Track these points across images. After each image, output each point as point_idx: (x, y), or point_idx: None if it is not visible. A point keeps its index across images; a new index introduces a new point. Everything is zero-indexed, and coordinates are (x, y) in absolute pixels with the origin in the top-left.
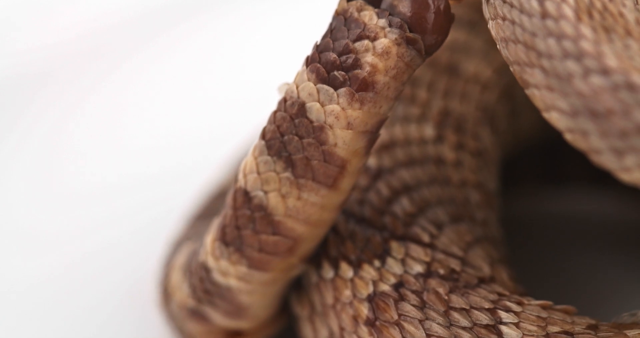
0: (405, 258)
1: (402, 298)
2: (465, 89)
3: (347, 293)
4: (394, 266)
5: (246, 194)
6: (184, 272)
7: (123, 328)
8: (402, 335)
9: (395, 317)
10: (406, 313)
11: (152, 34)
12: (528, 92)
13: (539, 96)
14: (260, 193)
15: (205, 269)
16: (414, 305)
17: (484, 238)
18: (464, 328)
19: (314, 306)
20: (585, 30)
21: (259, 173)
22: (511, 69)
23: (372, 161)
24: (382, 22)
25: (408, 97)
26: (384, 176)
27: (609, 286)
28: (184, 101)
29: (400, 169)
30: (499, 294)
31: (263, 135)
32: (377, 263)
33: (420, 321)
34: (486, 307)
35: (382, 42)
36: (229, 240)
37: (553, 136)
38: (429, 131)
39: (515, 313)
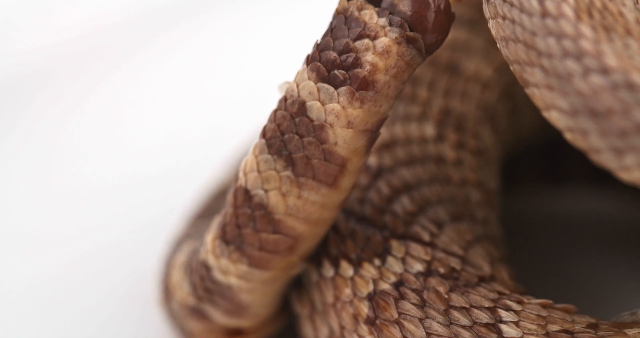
0: (405, 256)
1: (402, 296)
2: (466, 88)
3: (348, 291)
4: (394, 265)
5: (246, 192)
6: (185, 270)
7: (123, 328)
8: (402, 334)
9: (396, 315)
10: (406, 312)
11: (152, 34)
12: (528, 91)
13: (538, 95)
14: (261, 192)
15: (206, 267)
16: (414, 304)
17: (484, 237)
18: (464, 326)
19: (314, 305)
20: (585, 29)
21: (259, 171)
22: (511, 68)
23: (372, 160)
24: (383, 21)
25: (408, 96)
26: (384, 175)
27: (609, 286)
28: (184, 101)
29: (400, 168)
30: (499, 293)
31: (263, 134)
32: (377, 261)
33: (421, 320)
34: (486, 305)
35: (383, 41)
36: (230, 239)
37: (553, 135)
38: (429, 130)
39: (515, 312)
